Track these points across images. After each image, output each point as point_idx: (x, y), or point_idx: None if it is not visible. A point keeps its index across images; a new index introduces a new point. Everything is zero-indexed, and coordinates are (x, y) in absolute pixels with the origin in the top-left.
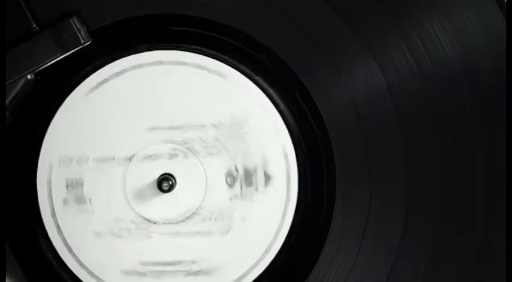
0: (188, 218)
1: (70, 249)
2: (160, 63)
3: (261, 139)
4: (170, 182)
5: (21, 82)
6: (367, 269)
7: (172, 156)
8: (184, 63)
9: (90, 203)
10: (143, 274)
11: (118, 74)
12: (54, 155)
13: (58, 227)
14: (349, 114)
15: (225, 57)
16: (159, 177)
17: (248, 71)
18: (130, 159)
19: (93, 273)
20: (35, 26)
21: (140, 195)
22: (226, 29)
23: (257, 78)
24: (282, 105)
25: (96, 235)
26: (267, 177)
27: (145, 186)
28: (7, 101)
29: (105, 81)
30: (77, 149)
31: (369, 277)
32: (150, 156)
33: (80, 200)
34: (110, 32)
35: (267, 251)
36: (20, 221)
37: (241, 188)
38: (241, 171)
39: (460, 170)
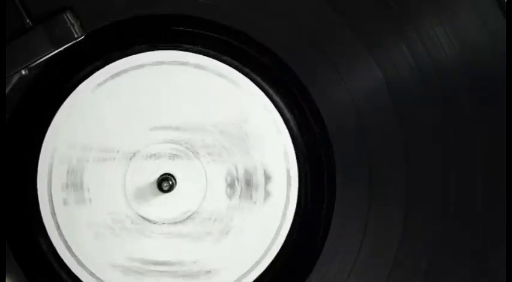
0: (187, 219)
1: (70, 249)
2: (161, 63)
3: (261, 140)
4: (170, 182)
5: (16, 78)
6: (367, 269)
7: (173, 156)
8: (184, 63)
9: (89, 195)
10: (138, 272)
11: (118, 74)
12: (57, 147)
13: (58, 225)
14: (349, 114)
15: (225, 57)
16: (159, 177)
17: (248, 71)
18: (131, 157)
19: (93, 273)
20: (28, 21)
21: (140, 195)
22: (226, 29)
23: (257, 78)
24: (281, 105)
25: (91, 227)
26: (267, 189)
27: (145, 185)
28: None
29: (111, 77)
30: (80, 140)
31: (368, 277)
32: (153, 154)
33: (79, 189)
34: (107, 31)
35: (267, 252)
36: (20, 221)
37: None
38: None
39: (460, 170)
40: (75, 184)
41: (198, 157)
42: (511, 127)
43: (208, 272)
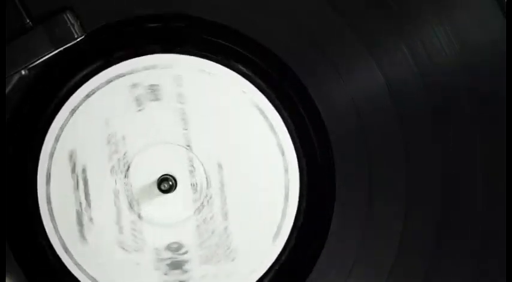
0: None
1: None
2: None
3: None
4: (170, 183)
5: (16, 78)
6: (367, 270)
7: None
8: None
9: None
10: None
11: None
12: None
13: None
14: (349, 114)
15: (224, 57)
16: (159, 177)
17: (247, 71)
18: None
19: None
20: (28, 21)
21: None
22: (226, 29)
23: (256, 78)
24: (281, 106)
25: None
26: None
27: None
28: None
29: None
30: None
31: (368, 277)
32: (191, 167)
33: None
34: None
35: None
36: (19, 221)
37: None
38: None
39: (460, 170)
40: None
41: (202, 205)
42: (511, 127)
43: None
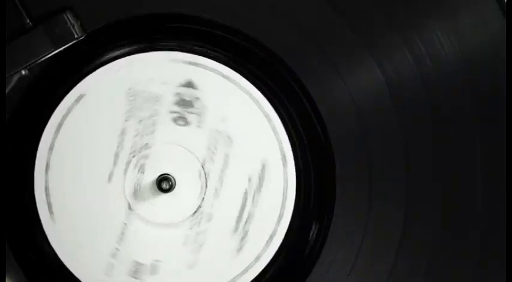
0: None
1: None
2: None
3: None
4: (170, 182)
5: (16, 78)
6: (367, 269)
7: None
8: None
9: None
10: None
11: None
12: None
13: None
14: (349, 114)
15: (224, 58)
16: (158, 177)
17: (246, 72)
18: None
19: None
20: (28, 21)
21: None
22: (225, 28)
23: (256, 78)
24: (281, 106)
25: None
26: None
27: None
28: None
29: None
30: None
31: (369, 277)
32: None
33: None
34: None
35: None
36: (19, 221)
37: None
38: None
39: (460, 170)
40: None
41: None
42: (511, 127)
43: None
